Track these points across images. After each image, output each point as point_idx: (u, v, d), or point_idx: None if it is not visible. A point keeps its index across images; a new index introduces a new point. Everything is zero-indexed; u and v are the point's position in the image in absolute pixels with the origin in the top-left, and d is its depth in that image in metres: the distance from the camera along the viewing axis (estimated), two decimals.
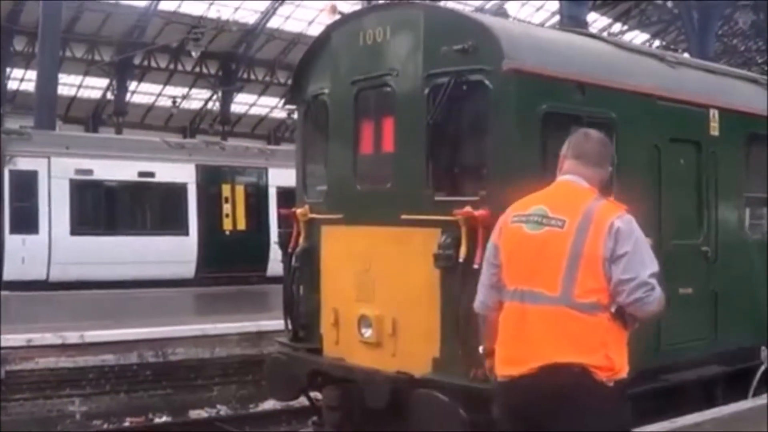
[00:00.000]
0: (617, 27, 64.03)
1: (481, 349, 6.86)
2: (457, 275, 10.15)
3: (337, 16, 13.00)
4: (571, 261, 5.89)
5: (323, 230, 12.48)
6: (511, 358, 6.05)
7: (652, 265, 5.93)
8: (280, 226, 30.14)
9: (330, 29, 12.93)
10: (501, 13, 12.75)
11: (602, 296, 5.86)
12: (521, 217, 6.23)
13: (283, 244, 13.07)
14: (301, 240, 12.76)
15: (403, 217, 10.99)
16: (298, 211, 12.80)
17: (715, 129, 12.91)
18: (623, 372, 5.94)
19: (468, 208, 10.15)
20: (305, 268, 12.61)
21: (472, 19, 11.14)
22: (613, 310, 5.89)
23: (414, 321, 10.94)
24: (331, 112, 12.52)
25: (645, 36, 64.97)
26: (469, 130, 11.19)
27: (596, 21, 59.67)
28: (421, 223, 10.80)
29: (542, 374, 5.83)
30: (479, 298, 6.66)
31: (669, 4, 58.55)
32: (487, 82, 10.45)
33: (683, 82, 12.87)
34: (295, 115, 52.87)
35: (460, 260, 10.15)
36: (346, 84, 12.13)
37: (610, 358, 5.84)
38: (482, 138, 10.80)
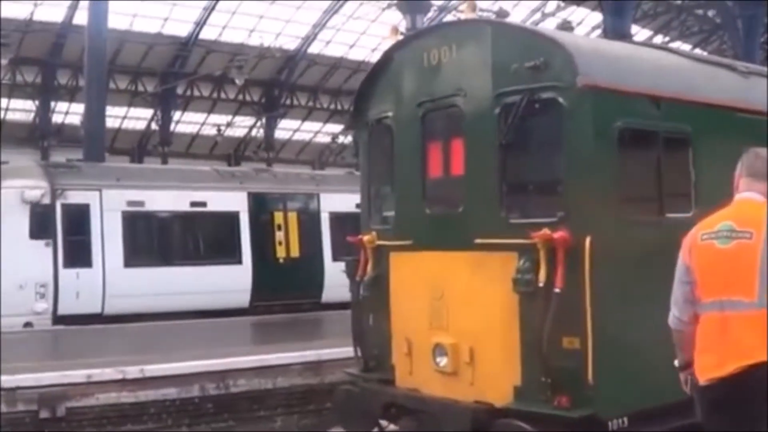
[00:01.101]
0: (659, 39, 63.48)
1: (676, 362, 7.34)
2: (537, 300, 9.84)
3: (399, 38, 12.70)
4: (764, 268, 6.42)
5: (392, 257, 12.17)
6: (716, 362, 6.55)
7: None
8: (336, 253, 30.35)
9: (392, 51, 12.66)
10: (566, 27, 12.44)
11: None
12: (710, 234, 6.82)
13: (351, 272, 12.77)
14: (369, 268, 12.46)
15: (477, 241, 10.68)
16: (365, 238, 12.51)
17: None
18: None
19: (545, 230, 9.86)
20: (374, 296, 12.30)
21: (542, 35, 10.86)
22: None
23: (492, 348, 10.62)
24: (397, 136, 12.25)
25: (687, 47, 64.40)
26: (543, 149, 10.88)
27: (638, 33, 59.13)
28: (496, 247, 10.48)
29: (747, 372, 6.36)
30: (675, 315, 7.13)
31: (710, 13, 58.09)
32: (560, 99, 10.17)
33: (756, 92, 12.50)
34: (340, 139, 53.04)
35: (540, 284, 9.85)
36: (412, 106, 11.86)
37: None
38: (557, 157, 10.48)
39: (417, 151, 11.84)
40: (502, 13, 11.56)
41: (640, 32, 60.22)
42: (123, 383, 17.37)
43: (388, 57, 12.68)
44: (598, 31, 51.05)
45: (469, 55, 11.20)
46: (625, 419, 9.96)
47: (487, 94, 10.83)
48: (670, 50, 13.28)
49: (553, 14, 53.89)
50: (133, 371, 17.54)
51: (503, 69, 10.65)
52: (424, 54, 11.72)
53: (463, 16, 11.51)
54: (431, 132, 11.77)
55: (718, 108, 11.38)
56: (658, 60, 11.94)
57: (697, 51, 58.45)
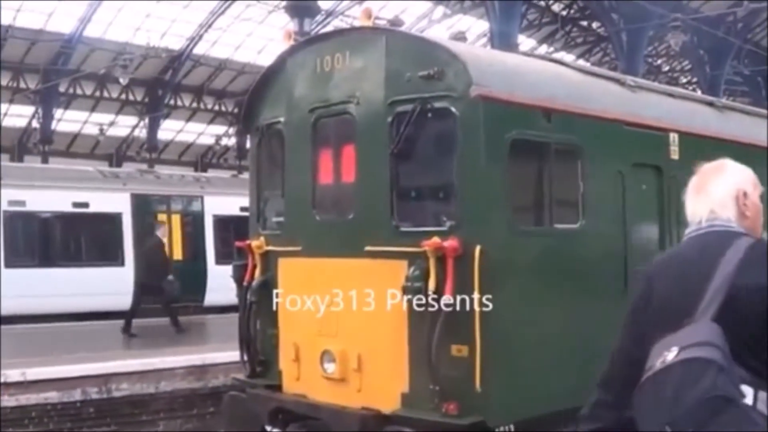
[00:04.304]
0: (543, 49, 64.23)
1: None
2: (427, 308, 9.85)
3: (293, 42, 12.62)
4: None
5: (281, 262, 12.12)
6: None
7: None
8: (220, 257, 30.11)
9: (284, 56, 12.56)
10: (459, 37, 12.45)
11: None
12: None
13: (238, 277, 12.67)
14: (257, 273, 12.37)
15: (367, 248, 10.69)
16: (254, 243, 12.42)
17: (675, 153, 12.78)
18: None
19: (436, 239, 9.89)
20: (262, 301, 12.21)
21: (437, 44, 10.86)
22: None
23: (380, 355, 10.66)
24: (288, 141, 12.21)
25: (571, 57, 65.27)
26: (435, 158, 10.91)
27: (522, 43, 59.76)
28: (386, 255, 10.49)
29: None
30: None
31: (594, 25, 59.01)
32: (453, 109, 10.23)
33: (644, 106, 12.75)
34: (223, 141, 52.61)
35: (430, 293, 9.86)
36: (304, 112, 11.82)
37: None
38: (449, 166, 10.52)
39: (308, 156, 11.81)
40: (397, 22, 11.50)
41: (525, 42, 60.94)
42: (4, 387, 17.07)
43: (280, 62, 12.61)
44: (484, 40, 51.34)
45: (363, 62, 11.20)
46: (512, 426, 10.05)
47: (379, 102, 10.84)
48: (562, 63, 13.41)
49: (439, 21, 54.30)
50: (14, 374, 17.24)
51: (397, 77, 10.68)
52: (317, 60, 11.69)
53: (357, 23, 11.42)
54: (323, 138, 11.75)
55: (606, 121, 11.56)
56: (550, 72, 12.07)
57: (581, 62, 59.41)
